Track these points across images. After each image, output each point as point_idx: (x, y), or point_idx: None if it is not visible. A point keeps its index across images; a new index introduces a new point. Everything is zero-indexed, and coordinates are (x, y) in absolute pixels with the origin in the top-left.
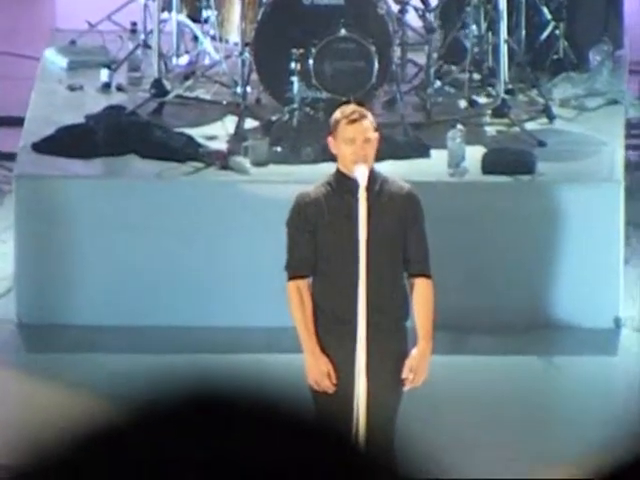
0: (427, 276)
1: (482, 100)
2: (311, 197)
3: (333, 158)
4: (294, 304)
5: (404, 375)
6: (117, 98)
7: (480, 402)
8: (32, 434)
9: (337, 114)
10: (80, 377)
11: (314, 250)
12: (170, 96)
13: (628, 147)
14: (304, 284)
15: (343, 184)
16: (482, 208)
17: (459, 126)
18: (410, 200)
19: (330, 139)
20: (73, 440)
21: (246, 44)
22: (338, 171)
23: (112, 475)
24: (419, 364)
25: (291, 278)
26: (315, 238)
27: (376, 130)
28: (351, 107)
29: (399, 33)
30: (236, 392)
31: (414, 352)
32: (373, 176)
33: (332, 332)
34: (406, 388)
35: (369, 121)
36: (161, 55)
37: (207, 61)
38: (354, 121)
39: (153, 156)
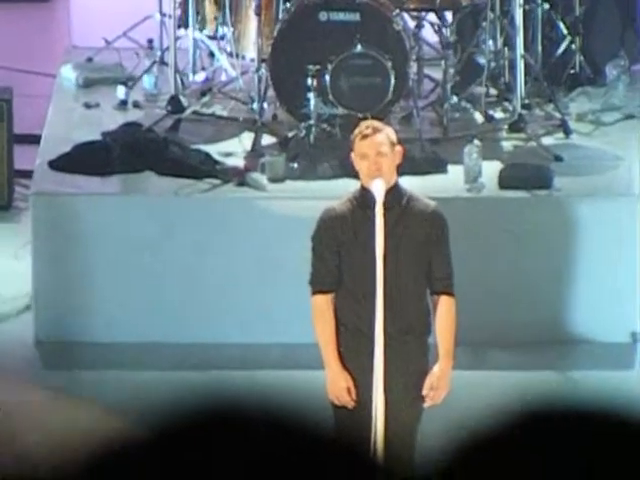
0: (450, 294)
1: (499, 115)
2: (336, 212)
3: (350, 174)
4: (316, 318)
5: (424, 392)
6: (134, 115)
7: (498, 417)
8: (51, 451)
9: (355, 130)
10: (98, 394)
11: (338, 265)
12: (187, 113)
13: None
14: (327, 299)
15: (366, 199)
16: (499, 223)
17: (476, 141)
18: (436, 218)
19: (352, 155)
20: (91, 457)
21: (262, 60)
22: (361, 187)
23: None
24: (440, 381)
25: (315, 293)
26: (339, 253)
27: (395, 144)
28: (367, 123)
29: (415, 49)
30: (253, 408)
31: (435, 369)
32: (397, 192)
33: (353, 347)
34: (426, 405)
35: (384, 135)
36: (178, 72)
37: (224, 77)
38: (366, 136)
39: (170, 173)
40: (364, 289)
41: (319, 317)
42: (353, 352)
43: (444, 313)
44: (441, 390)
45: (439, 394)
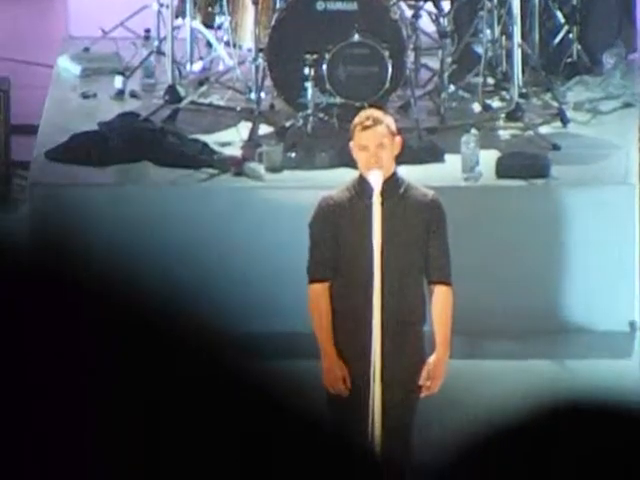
0: (447, 284)
1: (496, 104)
2: (334, 200)
3: (348, 163)
4: (313, 307)
5: (421, 382)
6: (131, 105)
7: (495, 406)
8: None
9: (355, 120)
10: None
11: (335, 253)
12: (184, 103)
13: None
14: (324, 287)
15: (363, 188)
16: (496, 212)
17: (473, 130)
18: (434, 207)
19: (351, 144)
20: None
21: (260, 50)
22: (360, 176)
23: None
24: (436, 371)
25: (312, 281)
26: (337, 242)
27: (395, 135)
28: (367, 112)
29: (412, 38)
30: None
31: (431, 359)
32: (395, 181)
33: (350, 336)
34: (422, 395)
35: (385, 126)
36: (175, 61)
37: (221, 67)
38: (367, 127)
39: (167, 163)
40: (361, 278)
41: (316, 305)
42: (350, 341)
43: (441, 302)
44: (437, 380)
45: (435, 383)
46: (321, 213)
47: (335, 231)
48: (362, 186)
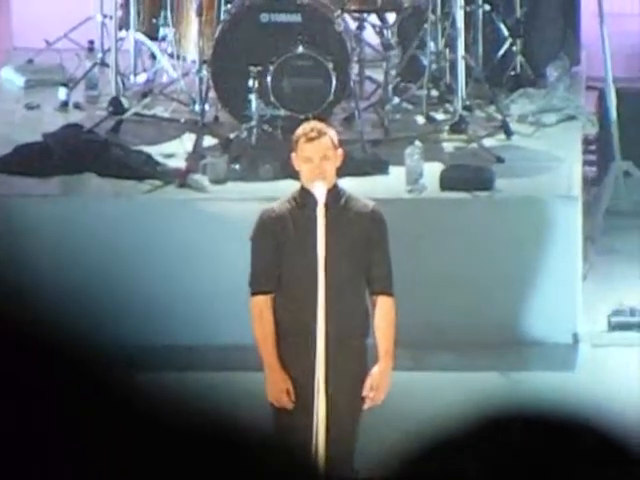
0: (389, 294)
1: (440, 116)
2: (275, 212)
3: (292, 175)
4: (255, 320)
5: (364, 393)
6: (75, 116)
7: (438, 418)
8: None
9: (298, 131)
10: None
11: (278, 265)
12: (128, 114)
13: (585, 163)
14: (267, 300)
15: (306, 200)
16: (440, 224)
17: (417, 143)
18: (375, 218)
19: (293, 155)
20: None
21: (204, 62)
22: (302, 187)
23: None
24: (380, 382)
25: (254, 293)
26: (279, 253)
27: (337, 147)
28: (311, 124)
29: (357, 50)
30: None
31: (375, 370)
32: (337, 192)
33: (293, 349)
34: (366, 406)
35: (329, 138)
36: (119, 73)
37: (165, 79)
38: (312, 139)
39: (111, 174)
40: (304, 290)
41: (258, 318)
42: (293, 354)
43: (383, 313)
44: (381, 391)
45: (379, 395)
46: (263, 226)
47: (277, 243)
48: (304, 198)
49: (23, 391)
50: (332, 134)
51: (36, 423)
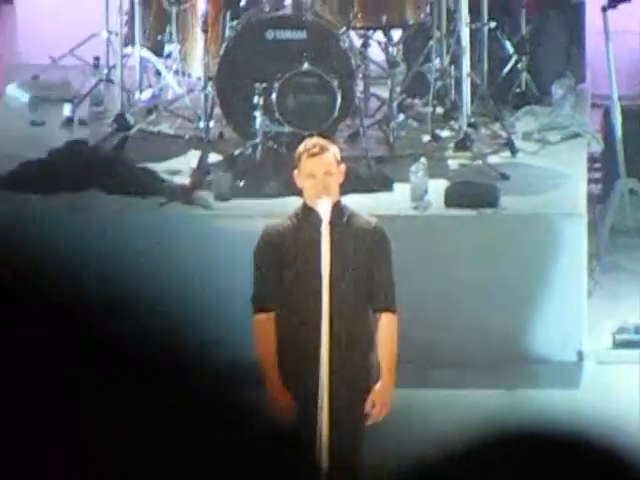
0: (392, 311)
1: (445, 134)
2: (278, 230)
3: (296, 192)
4: (258, 337)
5: (367, 410)
6: (80, 133)
7: (443, 436)
8: None
9: (300, 148)
10: None
11: (280, 283)
12: (133, 130)
13: (590, 180)
14: (269, 317)
15: (309, 217)
16: (445, 241)
17: (422, 160)
18: (377, 235)
19: (296, 172)
20: None
21: (209, 78)
22: (304, 204)
23: None
24: (382, 399)
25: (257, 311)
26: (282, 271)
27: (340, 162)
28: (313, 140)
29: (362, 67)
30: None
31: (377, 387)
32: (339, 209)
33: (296, 366)
34: (369, 423)
35: (331, 154)
36: (124, 89)
37: (170, 95)
38: (314, 155)
39: (116, 191)
40: (307, 307)
41: (261, 335)
42: (295, 371)
43: (386, 330)
44: (383, 407)
45: (381, 412)
46: (265, 243)
47: (280, 261)
48: (307, 214)
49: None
50: (335, 150)
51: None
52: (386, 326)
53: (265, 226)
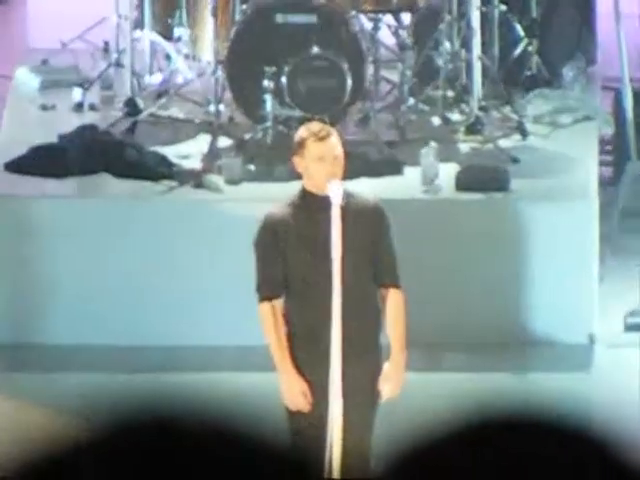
0: (398, 286)
1: (455, 117)
2: (278, 217)
3: None
4: (267, 325)
5: (379, 387)
6: (90, 117)
7: (452, 419)
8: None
9: (302, 132)
10: (51, 396)
11: (284, 270)
12: (143, 115)
13: (601, 163)
14: (276, 304)
15: (311, 203)
16: (456, 225)
17: (432, 143)
18: (377, 213)
19: (296, 158)
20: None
21: (219, 62)
22: (305, 190)
23: None
24: (394, 375)
25: (262, 299)
26: (285, 258)
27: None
28: (316, 125)
29: (372, 50)
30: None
31: (389, 363)
32: (343, 192)
33: (307, 351)
34: (382, 400)
35: (336, 137)
36: (134, 73)
37: (180, 79)
38: (323, 138)
39: (126, 175)
40: (314, 292)
41: (268, 323)
42: (306, 355)
43: (394, 306)
44: (396, 383)
45: (394, 388)
46: (265, 231)
47: (281, 248)
48: (309, 200)
49: None
50: (335, 133)
51: None
52: (394, 302)
53: (265, 214)
